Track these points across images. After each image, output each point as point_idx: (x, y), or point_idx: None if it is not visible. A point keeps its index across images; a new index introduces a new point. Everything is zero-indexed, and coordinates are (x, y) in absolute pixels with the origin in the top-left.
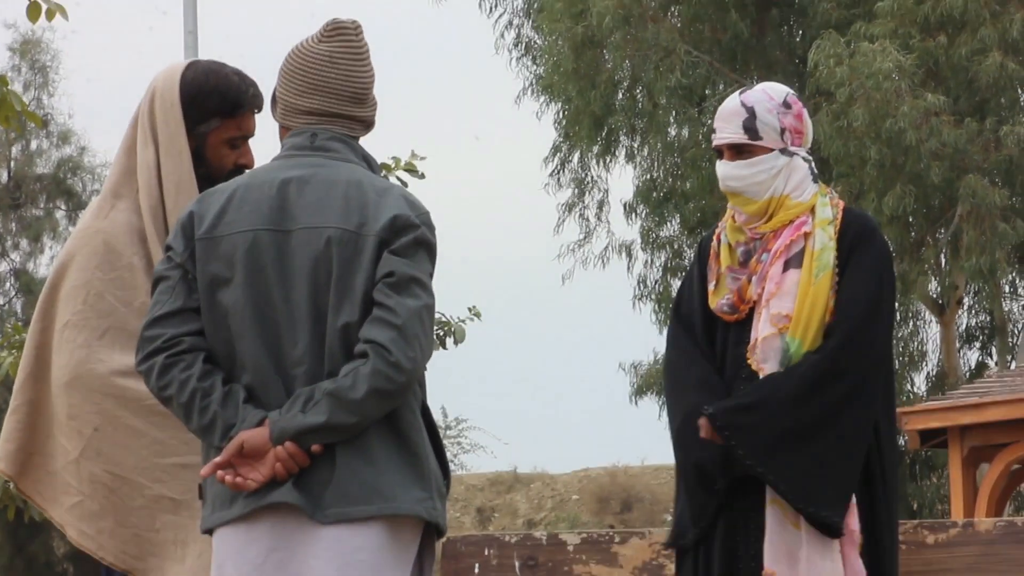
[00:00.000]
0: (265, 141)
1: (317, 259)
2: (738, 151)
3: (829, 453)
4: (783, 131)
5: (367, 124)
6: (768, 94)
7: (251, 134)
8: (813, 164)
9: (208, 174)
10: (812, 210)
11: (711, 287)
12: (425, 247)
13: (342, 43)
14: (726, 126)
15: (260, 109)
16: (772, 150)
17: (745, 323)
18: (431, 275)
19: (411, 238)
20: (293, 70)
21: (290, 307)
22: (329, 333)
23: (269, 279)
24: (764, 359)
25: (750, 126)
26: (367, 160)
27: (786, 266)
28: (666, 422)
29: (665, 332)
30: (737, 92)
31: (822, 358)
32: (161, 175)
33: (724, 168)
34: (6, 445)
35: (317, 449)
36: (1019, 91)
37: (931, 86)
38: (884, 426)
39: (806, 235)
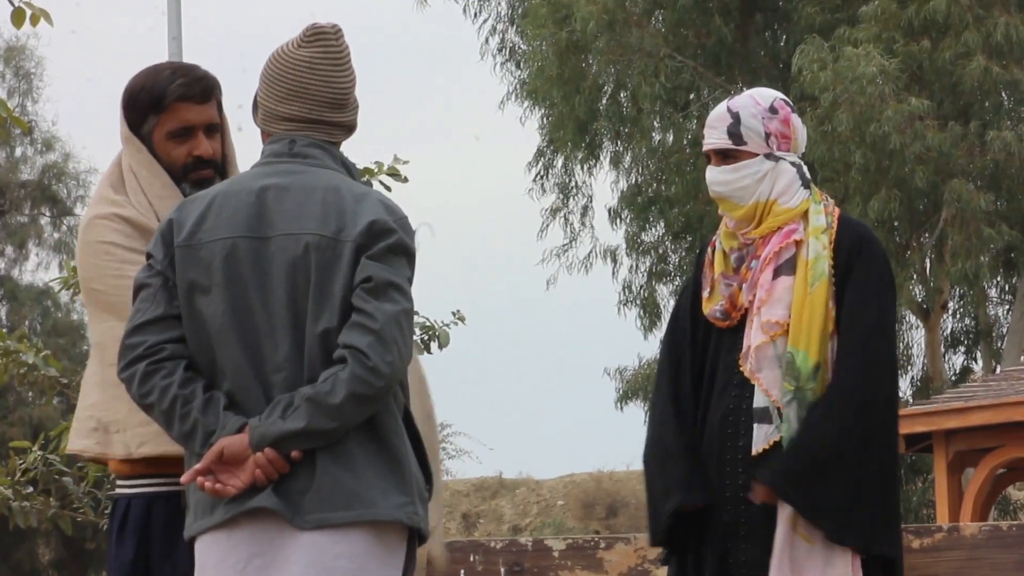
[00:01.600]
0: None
1: (295, 265)
2: (724, 156)
3: (882, 491)
4: (768, 136)
5: (348, 128)
6: (755, 99)
7: (194, 123)
8: (804, 169)
9: (165, 169)
10: (805, 216)
11: (705, 294)
12: (403, 252)
13: (322, 48)
14: (712, 132)
15: (199, 98)
16: (757, 155)
17: (737, 330)
18: (410, 280)
19: (388, 243)
20: (273, 75)
21: (269, 314)
22: (308, 339)
23: (248, 286)
24: (758, 368)
25: (734, 131)
26: (346, 166)
27: (776, 273)
28: None
29: (650, 338)
30: (727, 98)
31: (855, 407)
32: (135, 174)
33: (711, 173)
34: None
35: (297, 455)
36: (1003, 95)
37: (915, 90)
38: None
39: (797, 243)
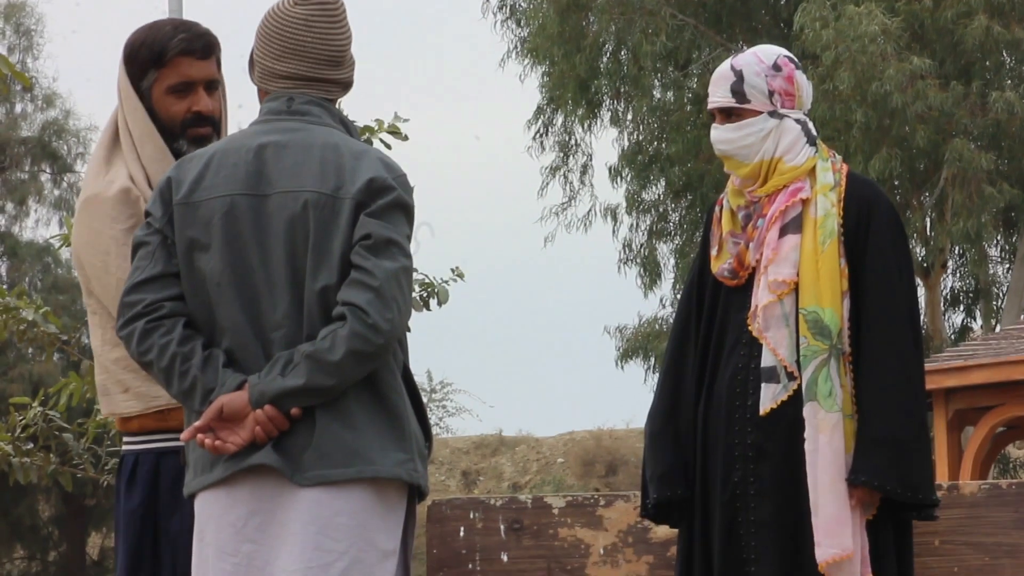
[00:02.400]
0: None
1: (294, 223)
2: (727, 114)
3: (926, 447)
4: (772, 93)
5: (345, 85)
6: (758, 57)
7: (195, 79)
8: (810, 126)
9: (163, 127)
10: (812, 174)
11: (713, 252)
12: (402, 209)
13: (317, 6)
14: (716, 90)
15: (200, 54)
16: (760, 113)
17: (746, 288)
18: (408, 237)
19: (388, 200)
20: (269, 34)
21: (268, 271)
22: (307, 296)
23: (246, 243)
24: (766, 327)
25: (737, 89)
26: (344, 123)
27: (782, 231)
28: (651, 385)
29: (650, 296)
30: (730, 56)
31: (897, 380)
32: (130, 131)
33: (715, 132)
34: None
35: (296, 412)
36: (1004, 55)
37: (916, 49)
38: None
39: (804, 201)
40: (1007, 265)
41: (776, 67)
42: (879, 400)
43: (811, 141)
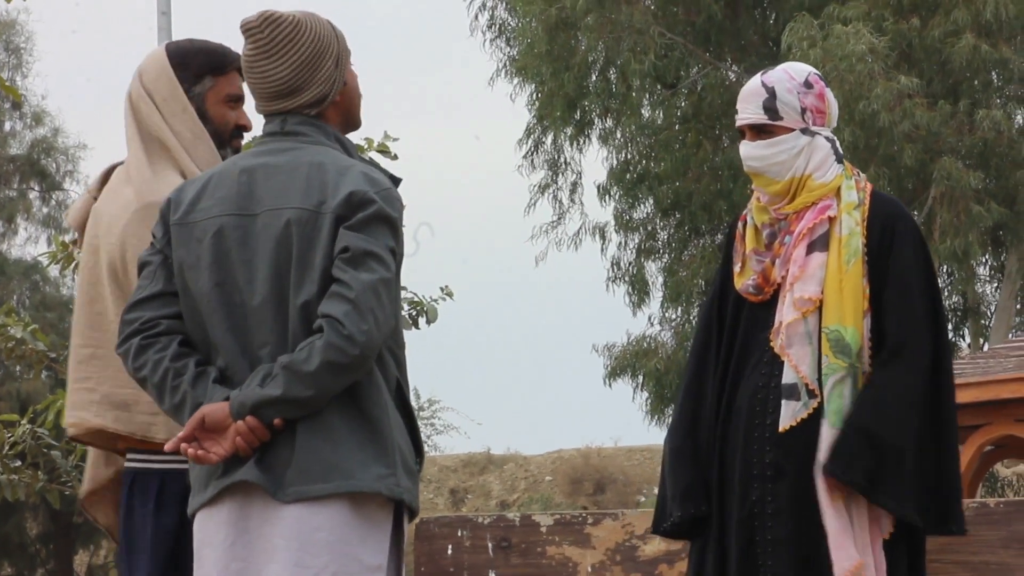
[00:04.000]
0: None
1: (279, 240)
2: (759, 131)
3: (949, 472)
4: (804, 111)
5: (316, 104)
6: (789, 74)
7: (243, 95)
8: (837, 144)
9: (214, 132)
10: (837, 192)
11: (736, 269)
12: (383, 221)
13: (252, 44)
14: (747, 106)
15: (240, 73)
16: (793, 130)
17: (770, 305)
18: (392, 249)
19: (368, 213)
20: None
21: (254, 289)
22: (291, 312)
23: (233, 263)
24: (789, 344)
25: (770, 106)
26: (340, 141)
27: (809, 249)
28: (639, 404)
29: (639, 314)
30: (760, 73)
31: (898, 392)
32: (175, 136)
33: (746, 148)
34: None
35: (279, 423)
36: (992, 74)
37: (904, 68)
38: None
39: (831, 219)
40: (995, 284)
41: (808, 84)
42: (869, 404)
43: (839, 159)
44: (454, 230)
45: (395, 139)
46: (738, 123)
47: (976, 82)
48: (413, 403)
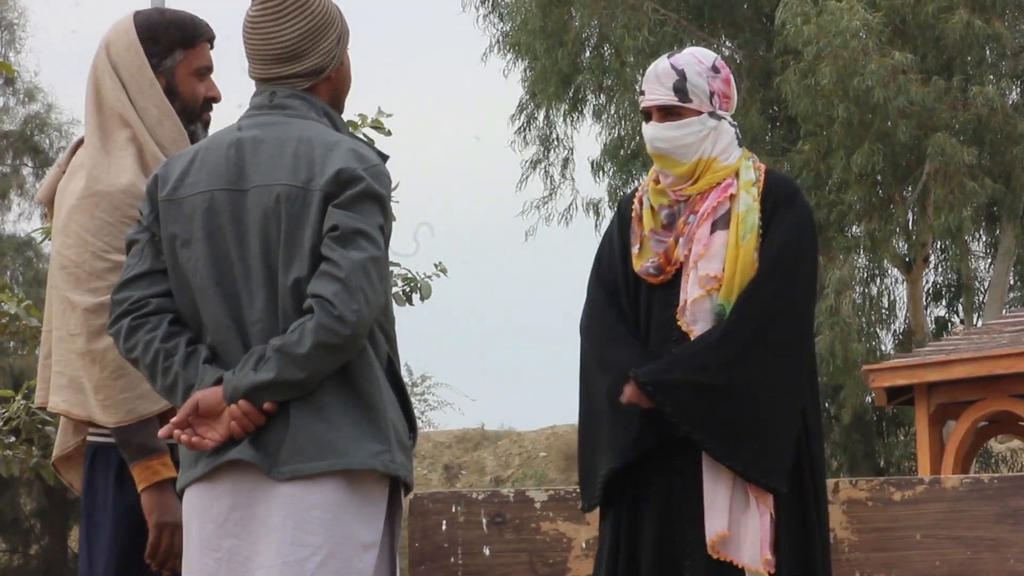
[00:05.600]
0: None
1: (268, 217)
2: (667, 113)
3: (764, 416)
4: (712, 95)
5: (311, 75)
6: (697, 57)
7: (211, 66)
8: (738, 130)
9: (183, 107)
10: (737, 173)
11: (634, 250)
12: (372, 198)
13: (260, 5)
14: (656, 88)
15: (212, 44)
16: (701, 113)
17: (671, 285)
18: (381, 227)
19: (356, 191)
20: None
21: (246, 266)
22: (281, 290)
23: (226, 238)
24: (694, 321)
25: (680, 87)
26: (328, 115)
27: (713, 227)
28: None
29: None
30: (666, 55)
31: (746, 317)
32: (139, 113)
33: (653, 130)
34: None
35: (270, 407)
36: (986, 49)
37: (898, 44)
38: (808, 388)
39: (731, 197)
40: (989, 259)
41: (715, 69)
42: (706, 343)
43: (740, 143)
44: (446, 207)
45: (389, 115)
46: (645, 104)
47: (970, 58)
48: (406, 379)
